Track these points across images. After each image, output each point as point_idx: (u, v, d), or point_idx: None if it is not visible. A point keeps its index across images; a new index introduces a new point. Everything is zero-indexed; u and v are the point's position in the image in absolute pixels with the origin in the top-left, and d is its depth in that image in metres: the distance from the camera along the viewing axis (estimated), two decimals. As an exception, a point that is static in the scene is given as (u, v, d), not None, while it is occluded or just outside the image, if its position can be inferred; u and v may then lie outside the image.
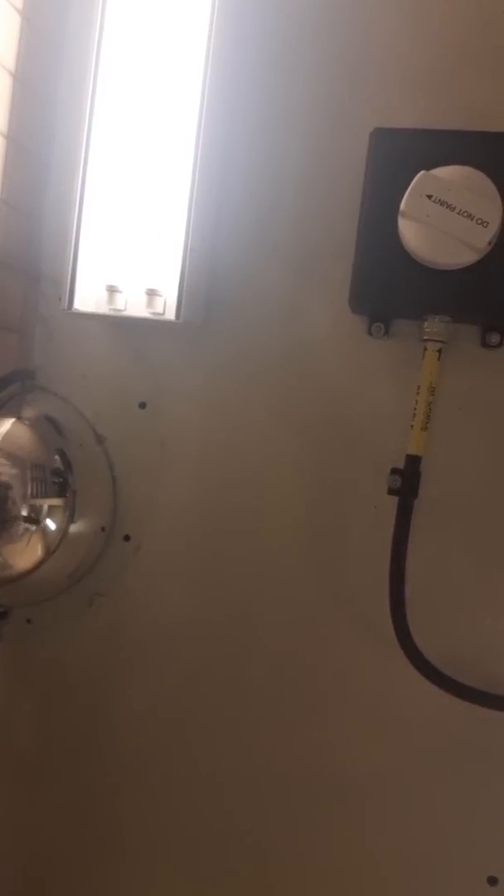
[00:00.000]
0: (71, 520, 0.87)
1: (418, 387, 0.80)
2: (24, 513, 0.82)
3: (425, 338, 0.79)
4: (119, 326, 0.91)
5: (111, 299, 0.82)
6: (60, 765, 0.94)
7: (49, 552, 0.85)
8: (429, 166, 0.75)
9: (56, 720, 0.94)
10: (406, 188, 0.75)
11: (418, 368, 0.80)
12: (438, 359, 0.80)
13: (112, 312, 0.83)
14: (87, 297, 0.83)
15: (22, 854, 0.96)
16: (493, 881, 0.82)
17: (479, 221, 0.73)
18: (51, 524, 0.85)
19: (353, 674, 0.85)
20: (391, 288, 0.79)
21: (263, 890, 0.88)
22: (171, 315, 0.81)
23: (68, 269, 0.83)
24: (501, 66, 0.82)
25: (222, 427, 0.89)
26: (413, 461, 0.80)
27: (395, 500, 0.81)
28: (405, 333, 0.83)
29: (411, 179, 0.74)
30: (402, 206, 0.75)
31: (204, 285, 0.87)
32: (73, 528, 0.87)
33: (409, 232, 0.75)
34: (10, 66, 0.83)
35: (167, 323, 0.82)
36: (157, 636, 0.91)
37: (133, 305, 0.82)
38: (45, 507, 0.84)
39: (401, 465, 0.81)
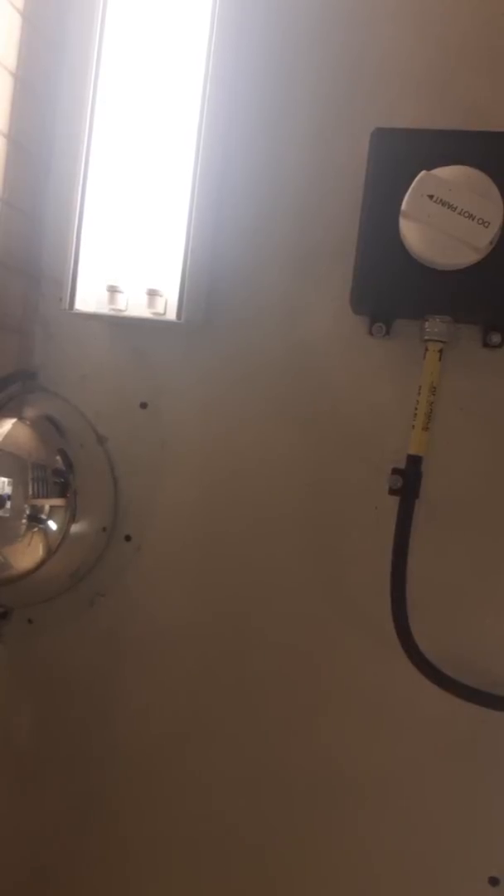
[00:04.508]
0: (72, 520, 0.87)
1: (419, 387, 0.80)
2: (26, 513, 0.82)
3: (426, 338, 0.79)
4: (120, 327, 0.91)
5: (112, 299, 0.82)
6: (60, 764, 0.94)
7: (50, 552, 0.85)
8: (430, 166, 0.75)
9: (56, 720, 0.94)
10: (407, 188, 0.75)
11: (419, 368, 0.80)
12: (440, 359, 0.80)
13: (113, 313, 0.83)
14: (88, 298, 0.83)
15: (22, 854, 0.96)
16: (494, 881, 0.82)
17: (480, 221, 0.73)
18: (52, 524, 0.85)
19: (354, 673, 0.85)
20: (392, 288, 0.79)
21: (263, 889, 0.88)
22: (172, 315, 0.81)
23: (69, 270, 0.83)
24: (501, 66, 0.82)
25: (223, 427, 0.89)
26: (414, 461, 0.80)
27: (395, 500, 0.81)
28: (406, 333, 0.83)
29: (412, 179, 0.74)
30: (403, 206, 0.75)
31: (205, 285, 0.87)
32: (74, 528, 0.87)
33: (411, 232, 0.75)
34: (11, 66, 0.83)
35: (168, 323, 0.82)
36: (157, 636, 0.91)
37: (134, 306, 0.82)
38: (47, 508, 0.84)
39: (402, 465, 0.81)
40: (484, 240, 0.73)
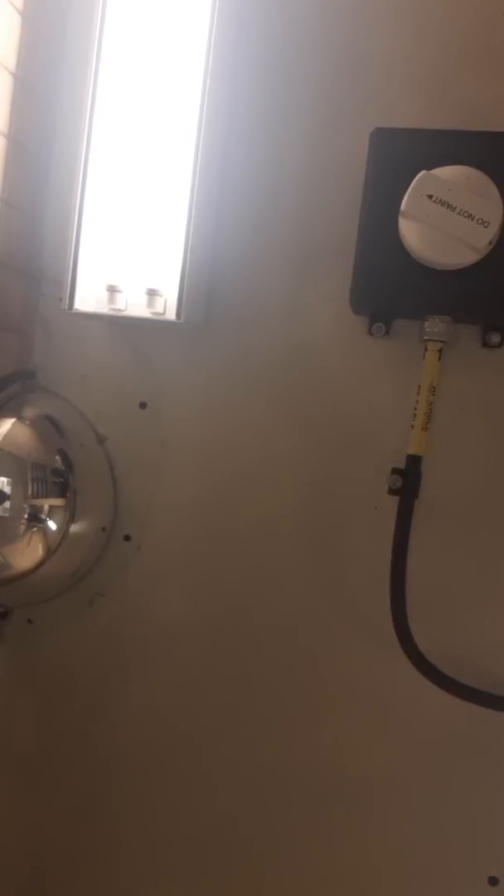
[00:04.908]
0: (72, 520, 0.87)
1: (419, 387, 0.80)
2: (25, 513, 0.82)
3: (426, 338, 0.79)
4: (120, 326, 0.91)
5: (112, 299, 0.82)
6: (61, 764, 0.94)
7: (50, 552, 0.85)
8: (429, 166, 0.75)
9: (56, 720, 0.94)
10: (406, 188, 0.75)
11: (419, 368, 0.80)
12: (439, 359, 0.80)
13: (112, 312, 0.83)
14: (88, 297, 0.83)
15: (22, 853, 0.96)
16: (493, 881, 0.82)
17: (480, 221, 0.73)
18: (51, 524, 0.85)
19: (354, 673, 0.85)
20: (392, 288, 0.79)
21: (264, 889, 0.88)
22: (171, 315, 0.81)
23: (69, 269, 0.83)
24: (501, 66, 0.82)
25: (223, 427, 0.89)
26: (414, 461, 0.80)
27: (395, 500, 0.81)
28: (406, 333, 0.83)
29: (412, 179, 0.74)
30: (403, 206, 0.75)
31: (204, 285, 0.87)
32: (74, 528, 0.87)
33: (410, 232, 0.75)
34: (11, 66, 0.83)
35: (168, 323, 0.82)
36: (157, 636, 0.91)
37: (133, 305, 0.82)
38: (46, 507, 0.84)
39: (401, 465, 0.81)
40: (483, 240, 0.73)
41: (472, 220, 0.73)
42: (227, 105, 0.86)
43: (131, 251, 0.82)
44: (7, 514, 0.80)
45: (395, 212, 0.76)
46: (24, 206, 0.89)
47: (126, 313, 0.82)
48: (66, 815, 0.94)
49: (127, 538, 0.92)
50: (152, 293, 0.81)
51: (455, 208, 0.73)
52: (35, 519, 0.84)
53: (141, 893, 0.92)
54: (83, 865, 0.94)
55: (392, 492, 0.81)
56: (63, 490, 0.86)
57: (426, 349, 0.80)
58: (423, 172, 0.75)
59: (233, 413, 0.89)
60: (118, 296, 0.82)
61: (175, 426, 0.90)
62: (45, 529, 0.85)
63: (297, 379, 0.87)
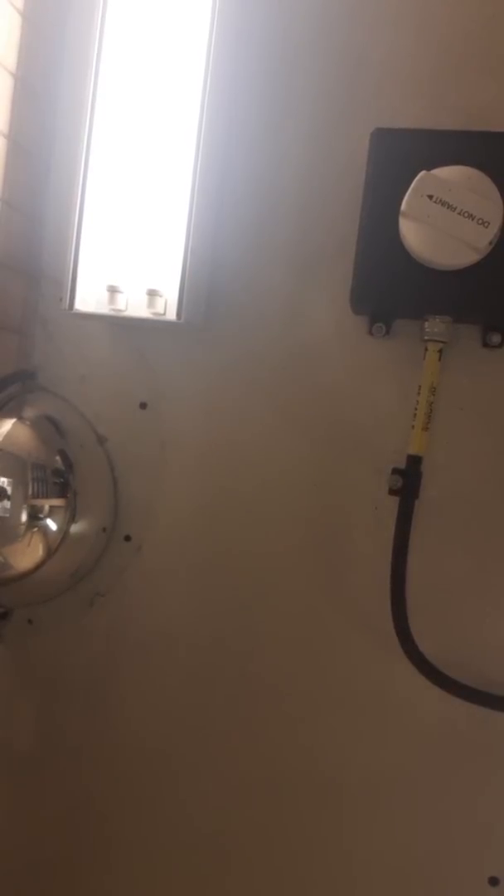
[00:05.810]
0: (72, 520, 0.87)
1: (419, 387, 0.80)
2: (25, 513, 0.82)
3: (426, 338, 0.79)
4: (120, 327, 0.91)
5: (112, 300, 0.82)
6: (60, 764, 0.94)
7: (50, 552, 0.85)
8: (430, 166, 0.75)
9: (56, 720, 0.94)
10: (407, 188, 0.75)
11: (419, 368, 0.80)
12: (439, 359, 0.80)
13: (113, 313, 0.83)
14: (88, 298, 0.83)
15: (21, 854, 0.96)
16: (494, 881, 0.82)
17: (480, 222, 0.73)
18: (52, 524, 0.85)
19: (354, 674, 0.85)
20: (392, 288, 0.79)
21: (264, 888, 0.88)
22: (172, 315, 0.81)
23: (69, 270, 0.83)
24: (502, 67, 0.82)
25: (223, 427, 0.89)
26: (414, 461, 0.80)
27: (396, 500, 0.81)
28: (406, 333, 0.83)
29: (412, 180, 0.74)
30: (403, 206, 0.75)
31: (205, 286, 0.87)
32: (74, 528, 0.87)
33: (410, 232, 0.75)
34: (11, 66, 0.83)
35: (168, 323, 0.82)
36: (157, 636, 0.91)
37: (134, 306, 0.82)
38: (46, 508, 0.84)
39: (402, 465, 0.81)
40: (484, 240, 0.73)
41: (473, 220, 0.73)
42: (227, 105, 0.86)
43: (131, 251, 0.82)
44: (7, 514, 0.80)
45: (395, 212, 0.76)
46: (24, 206, 0.89)
47: (126, 314, 0.82)
48: (65, 815, 0.94)
49: (127, 538, 0.92)
50: (153, 293, 0.81)
51: (455, 208, 0.74)
52: (35, 519, 0.84)
53: (140, 893, 0.92)
54: (83, 865, 0.94)
55: (392, 492, 0.81)
56: (63, 490, 0.86)
57: (426, 349, 0.80)
58: (423, 173, 0.75)
59: (233, 413, 0.89)
60: (118, 296, 0.82)
61: (175, 427, 0.90)
62: (46, 530, 0.85)
63: (297, 379, 0.87)
